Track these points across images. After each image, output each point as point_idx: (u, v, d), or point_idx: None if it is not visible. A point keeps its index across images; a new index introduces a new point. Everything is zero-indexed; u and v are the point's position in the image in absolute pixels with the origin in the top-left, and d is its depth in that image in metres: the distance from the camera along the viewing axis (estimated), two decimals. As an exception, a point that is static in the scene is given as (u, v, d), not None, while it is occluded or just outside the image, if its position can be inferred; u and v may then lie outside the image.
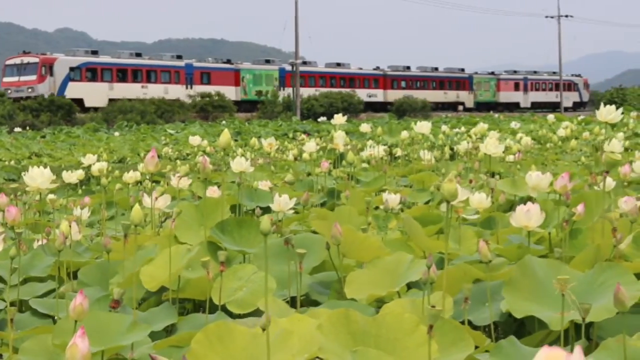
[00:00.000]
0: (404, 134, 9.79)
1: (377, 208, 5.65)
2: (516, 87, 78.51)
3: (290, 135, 25.45)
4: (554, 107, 75.24)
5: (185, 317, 3.19)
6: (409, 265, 3.25)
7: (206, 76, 59.61)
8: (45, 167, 4.17)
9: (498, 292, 2.98)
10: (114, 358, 2.86)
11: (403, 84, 70.98)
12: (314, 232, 4.20)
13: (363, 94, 65.43)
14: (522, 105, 75.49)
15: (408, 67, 73.89)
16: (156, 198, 4.26)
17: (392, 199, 4.65)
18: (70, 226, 3.73)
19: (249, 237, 3.91)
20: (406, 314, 2.43)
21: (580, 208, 3.63)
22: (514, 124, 16.46)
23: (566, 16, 74.86)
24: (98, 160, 7.00)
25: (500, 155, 7.48)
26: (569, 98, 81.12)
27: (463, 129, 15.89)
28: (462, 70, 78.79)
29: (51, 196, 5.54)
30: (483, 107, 72.62)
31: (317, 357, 2.37)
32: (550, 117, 18.32)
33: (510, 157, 8.14)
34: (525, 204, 3.13)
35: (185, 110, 52.89)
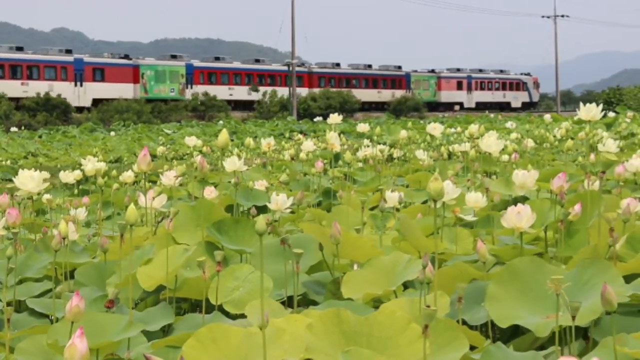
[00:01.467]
0: (403, 133, 9.80)
1: (373, 208, 5.66)
2: (459, 86, 74.71)
3: (287, 135, 25.45)
4: (501, 107, 72.03)
5: (182, 317, 3.19)
6: (406, 265, 3.25)
7: (99, 72, 54.20)
8: (39, 167, 4.16)
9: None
10: (110, 358, 2.86)
11: (331, 81, 66.33)
12: (300, 231, 4.20)
13: (284, 92, 61.04)
14: (466, 106, 72.11)
15: (337, 64, 69.75)
16: (153, 198, 4.26)
17: (391, 197, 4.66)
18: (67, 226, 3.73)
19: (245, 237, 3.92)
20: (398, 313, 2.44)
21: (577, 208, 3.64)
22: (510, 124, 16.49)
23: (562, 16, 74.93)
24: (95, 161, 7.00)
25: (496, 156, 7.50)
26: (517, 98, 78.51)
27: (459, 129, 15.92)
28: (399, 67, 74.34)
29: (48, 196, 5.55)
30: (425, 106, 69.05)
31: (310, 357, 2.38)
32: (547, 117, 18.34)
33: (505, 157, 8.16)
34: (515, 204, 3.14)
35: (181, 110, 52.64)
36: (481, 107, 71.83)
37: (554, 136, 10.73)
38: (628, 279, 2.88)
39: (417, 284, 3.31)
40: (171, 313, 3.16)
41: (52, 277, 3.73)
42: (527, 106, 77.11)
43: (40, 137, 32.72)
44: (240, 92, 60.98)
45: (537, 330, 2.56)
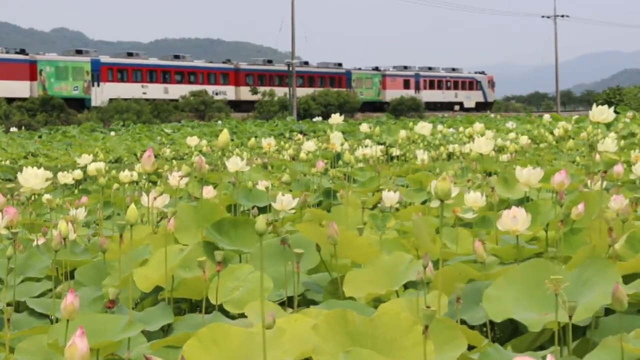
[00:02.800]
0: (402, 133, 9.80)
1: (374, 207, 5.66)
2: (406, 85, 70.08)
3: (287, 135, 25.46)
4: (453, 108, 69.02)
5: (181, 317, 3.20)
6: (408, 265, 3.25)
7: None
8: (39, 167, 4.16)
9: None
10: (111, 358, 2.87)
11: (261, 79, 62.17)
12: (295, 231, 4.20)
13: (208, 91, 57.11)
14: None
15: (270, 61, 66.07)
16: (155, 198, 4.26)
17: (388, 197, 4.66)
18: (67, 226, 3.73)
19: (245, 237, 3.92)
20: (403, 314, 2.43)
21: (580, 207, 3.64)
22: (510, 124, 16.49)
23: (562, 16, 74.89)
24: (94, 160, 7.00)
25: (494, 155, 7.50)
26: (470, 98, 74.06)
27: (461, 128, 15.91)
28: (340, 65, 69.68)
29: (48, 196, 5.55)
30: (366, 107, 64.81)
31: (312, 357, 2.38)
32: (546, 117, 18.34)
33: (504, 157, 8.16)
34: (512, 207, 3.12)
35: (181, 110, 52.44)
36: (431, 107, 67.89)
37: (553, 135, 10.72)
38: (628, 278, 2.88)
39: (418, 284, 3.31)
40: (171, 313, 3.16)
41: (52, 277, 3.73)
42: (482, 107, 72.32)
43: (40, 137, 32.72)
44: (155, 91, 55.63)
45: (531, 325, 2.56)
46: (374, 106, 65.95)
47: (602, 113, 3.80)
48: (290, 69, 57.52)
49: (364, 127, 9.86)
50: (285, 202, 4.29)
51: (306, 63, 67.22)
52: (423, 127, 7.52)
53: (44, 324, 3.26)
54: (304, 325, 2.48)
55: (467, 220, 4.42)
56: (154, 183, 9.09)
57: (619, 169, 4.49)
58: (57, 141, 29.23)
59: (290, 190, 6.92)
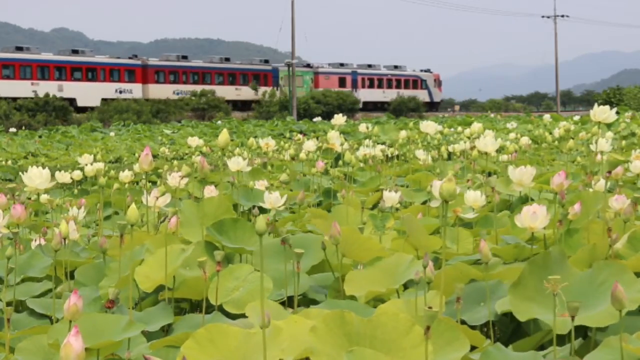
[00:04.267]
0: (402, 133, 9.79)
1: (373, 207, 5.66)
2: (341, 83, 65.29)
3: (287, 135, 25.45)
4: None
5: (181, 317, 3.19)
6: (409, 265, 3.25)
7: None
8: (43, 167, 4.17)
9: (494, 291, 2.99)
10: (111, 358, 2.86)
11: (172, 77, 56.89)
12: (309, 232, 4.20)
13: (109, 89, 52.43)
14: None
15: (185, 57, 60.45)
16: (157, 198, 4.26)
17: (389, 197, 4.65)
18: (67, 226, 3.73)
19: (245, 237, 3.92)
20: (401, 315, 2.43)
21: (576, 207, 3.64)
22: (511, 124, 16.48)
23: (562, 16, 74.86)
24: (95, 161, 7.00)
25: (495, 155, 7.49)
26: (415, 97, 68.31)
27: (460, 128, 15.91)
28: (266, 62, 65.54)
29: (45, 196, 5.55)
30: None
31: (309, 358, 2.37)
32: (547, 117, 18.34)
33: (505, 157, 8.16)
34: (522, 203, 3.14)
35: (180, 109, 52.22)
36: (370, 107, 64.41)
37: (554, 136, 10.71)
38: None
39: (416, 284, 3.31)
40: (171, 313, 3.16)
41: (51, 277, 3.73)
42: (428, 107, 67.91)
43: (40, 137, 32.72)
44: (48, 89, 49.55)
45: (555, 327, 2.56)
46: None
47: (603, 113, 3.80)
48: (292, 68, 57.23)
49: (363, 127, 9.85)
50: (274, 199, 4.32)
51: (227, 59, 62.62)
52: (428, 126, 7.51)
53: (44, 324, 3.26)
54: (302, 325, 2.48)
55: (467, 220, 4.42)
56: (154, 183, 9.09)
57: (618, 169, 4.49)
58: (57, 141, 29.22)
59: (291, 190, 6.92)
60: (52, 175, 4.46)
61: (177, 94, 55.92)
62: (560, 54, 72.00)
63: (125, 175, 6.62)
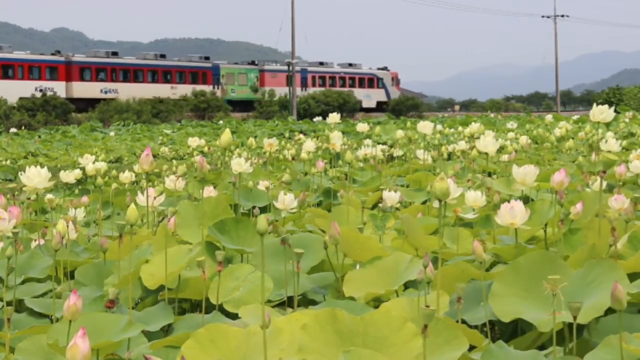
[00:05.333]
0: (400, 133, 9.79)
1: (373, 207, 5.66)
2: (290, 82, 60.32)
3: (287, 135, 25.45)
4: (349, 108, 58.82)
5: (181, 317, 3.20)
6: (408, 265, 3.26)
7: None
8: (42, 167, 4.17)
9: (494, 291, 2.99)
10: (111, 358, 2.86)
11: (102, 75, 52.96)
12: (309, 232, 4.20)
13: (27, 88, 48.52)
14: None
15: (115, 53, 56.50)
16: (155, 197, 4.27)
17: (389, 197, 4.66)
18: (67, 226, 3.73)
19: (246, 237, 3.92)
20: (393, 312, 2.44)
21: (578, 207, 3.64)
22: (511, 124, 16.48)
23: (562, 16, 74.85)
24: (96, 160, 7.00)
25: (495, 155, 7.49)
26: (371, 97, 65.89)
27: (460, 128, 15.91)
28: (207, 59, 61.33)
29: (48, 196, 5.54)
30: (239, 106, 57.71)
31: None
32: (549, 117, 18.32)
33: (505, 157, 8.15)
34: (525, 203, 3.14)
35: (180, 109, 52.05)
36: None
37: (554, 136, 10.71)
38: (629, 277, 2.87)
39: (418, 283, 3.31)
40: (171, 313, 3.16)
41: (52, 277, 3.73)
42: (385, 106, 64.48)
43: (40, 137, 32.71)
44: None
45: (540, 325, 2.57)
46: (251, 105, 57.99)
47: (601, 112, 3.81)
48: (291, 68, 57.10)
49: (360, 127, 9.86)
50: (287, 201, 4.37)
51: (163, 56, 58.66)
52: (425, 127, 7.51)
53: (44, 324, 3.26)
54: (300, 325, 2.48)
55: (467, 220, 4.42)
56: (154, 183, 9.09)
57: (621, 169, 4.49)
58: (57, 141, 29.21)
59: (291, 190, 6.92)
60: (53, 175, 4.46)
61: (105, 92, 52.54)
62: (560, 54, 71.92)
63: (126, 176, 6.62)
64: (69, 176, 6.10)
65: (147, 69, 55.19)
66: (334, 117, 8.02)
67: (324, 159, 9.24)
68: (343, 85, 65.10)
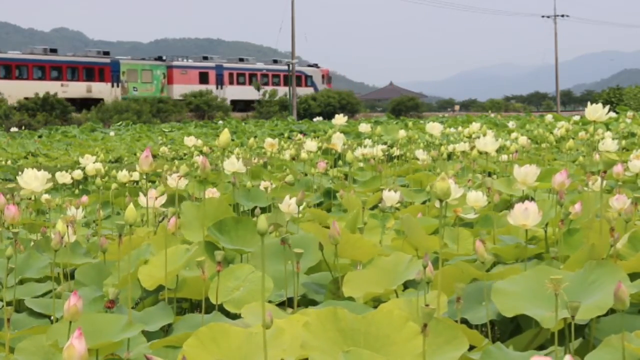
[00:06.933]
0: (402, 133, 9.78)
1: (374, 208, 5.65)
2: (203, 79, 57.33)
3: (287, 135, 25.46)
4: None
5: (181, 317, 3.19)
6: (407, 265, 3.26)
7: None
8: (39, 167, 4.16)
9: (494, 291, 2.99)
10: (110, 358, 2.86)
11: None
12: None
13: None
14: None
15: None
16: (156, 198, 4.26)
17: (389, 197, 4.65)
18: (67, 226, 3.73)
19: (246, 237, 3.92)
20: (396, 311, 2.44)
21: (577, 207, 3.64)
22: (511, 124, 16.48)
23: (562, 16, 74.85)
24: (96, 161, 7.00)
25: (495, 155, 7.49)
26: (297, 95, 59.89)
27: (460, 128, 15.91)
28: (106, 53, 55.63)
29: (47, 196, 5.54)
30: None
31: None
32: (549, 117, 18.32)
33: (505, 157, 8.15)
34: (522, 202, 3.14)
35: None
36: (241, 106, 57.23)
37: (554, 136, 10.72)
38: (629, 278, 2.88)
39: (417, 283, 3.31)
40: (171, 313, 3.16)
41: (52, 277, 3.73)
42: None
43: (40, 137, 32.71)
44: None
45: (543, 321, 2.57)
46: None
47: (596, 111, 3.83)
48: (291, 67, 56.95)
49: (362, 127, 9.86)
50: (292, 206, 4.30)
51: (54, 51, 53.24)
52: (433, 127, 7.53)
53: (44, 324, 3.26)
54: (302, 325, 2.48)
55: (467, 220, 4.42)
56: (153, 183, 9.09)
57: (618, 169, 4.49)
58: (57, 141, 29.21)
59: (293, 191, 6.92)
60: (53, 175, 4.46)
61: None
62: (560, 54, 71.84)
63: (124, 176, 6.62)
64: (66, 177, 6.08)
65: (31, 65, 49.86)
66: (340, 119, 8.03)
67: (324, 159, 9.23)
68: (266, 84, 60.58)
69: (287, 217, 4.47)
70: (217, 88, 57.39)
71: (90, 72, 52.25)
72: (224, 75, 58.97)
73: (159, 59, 58.13)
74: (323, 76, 65.73)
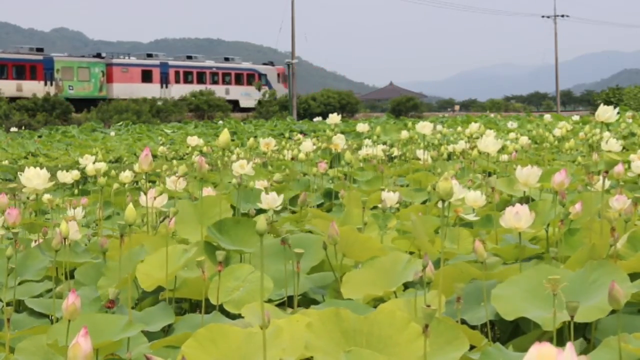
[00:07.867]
0: (404, 133, 9.79)
1: (374, 208, 5.65)
2: (147, 77, 53.44)
3: (287, 135, 25.45)
4: (221, 108, 52.00)
5: (182, 317, 3.19)
6: (406, 265, 3.25)
7: None
8: (41, 167, 4.16)
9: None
10: (111, 358, 2.86)
11: None
12: (309, 232, 4.20)
13: None
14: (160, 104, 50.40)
15: None
16: (154, 198, 4.26)
17: (389, 197, 4.65)
18: (68, 226, 3.72)
19: (246, 237, 3.92)
20: (397, 312, 2.44)
21: (577, 207, 3.64)
22: (511, 124, 16.48)
23: (562, 16, 74.81)
24: (95, 161, 7.00)
25: (495, 155, 7.48)
26: (250, 95, 57.88)
27: (460, 128, 15.91)
28: (39, 50, 52.16)
29: (46, 196, 5.54)
30: (81, 105, 48.71)
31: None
32: (547, 117, 18.32)
33: (505, 157, 8.15)
34: (521, 204, 3.14)
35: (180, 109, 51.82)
36: (191, 108, 52.95)
37: (554, 136, 10.73)
38: (629, 277, 2.87)
39: (418, 283, 3.30)
40: (171, 313, 3.16)
41: (52, 277, 3.73)
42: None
43: (40, 137, 32.71)
44: None
45: (544, 323, 2.57)
46: (94, 105, 49.10)
47: (606, 112, 3.83)
48: (292, 67, 56.94)
49: (360, 127, 9.87)
50: (270, 200, 4.34)
51: None
52: (424, 127, 7.50)
53: (44, 324, 3.26)
54: (303, 325, 2.48)
55: (468, 220, 4.42)
56: (153, 182, 9.09)
57: (619, 168, 4.48)
58: (57, 141, 29.21)
59: (290, 190, 6.92)
60: (53, 175, 4.46)
61: None
62: (560, 54, 71.76)
63: (126, 176, 6.62)
64: (67, 176, 6.09)
65: None
66: (334, 118, 8.02)
67: (323, 159, 9.24)
68: (215, 82, 56.92)
69: (270, 212, 4.46)
70: (161, 87, 54.03)
71: (21, 70, 48.60)
72: (170, 73, 55.28)
73: (98, 56, 54.91)
74: (279, 75, 61.20)
